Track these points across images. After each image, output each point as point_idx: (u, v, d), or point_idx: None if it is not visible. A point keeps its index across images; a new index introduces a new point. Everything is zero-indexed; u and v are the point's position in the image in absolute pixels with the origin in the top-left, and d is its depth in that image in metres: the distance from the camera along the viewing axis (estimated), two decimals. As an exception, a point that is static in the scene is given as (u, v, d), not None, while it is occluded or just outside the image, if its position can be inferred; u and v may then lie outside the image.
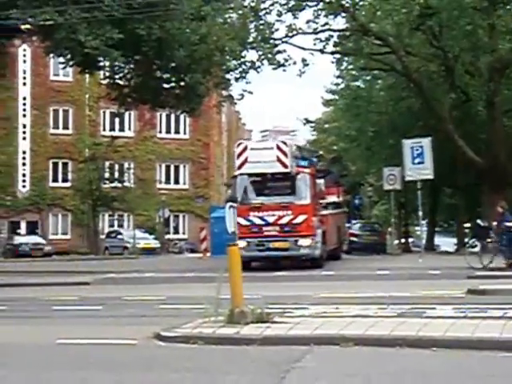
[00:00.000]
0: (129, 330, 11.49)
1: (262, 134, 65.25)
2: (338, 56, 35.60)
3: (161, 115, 51.91)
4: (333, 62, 36.28)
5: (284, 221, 23.09)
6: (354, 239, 37.27)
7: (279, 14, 31.40)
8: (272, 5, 31.29)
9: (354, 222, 43.23)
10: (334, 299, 14.65)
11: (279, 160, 22.81)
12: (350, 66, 38.68)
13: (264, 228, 23.07)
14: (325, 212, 25.93)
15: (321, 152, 34.18)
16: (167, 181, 54.20)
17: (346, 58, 36.92)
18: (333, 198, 28.06)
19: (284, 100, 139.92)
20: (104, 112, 52.17)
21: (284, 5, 31.46)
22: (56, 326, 12.72)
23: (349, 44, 34.13)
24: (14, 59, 47.93)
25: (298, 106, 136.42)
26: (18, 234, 48.36)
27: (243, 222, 22.30)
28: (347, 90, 41.67)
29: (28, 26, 26.92)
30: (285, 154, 22.90)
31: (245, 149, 23.13)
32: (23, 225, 50.65)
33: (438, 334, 9.65)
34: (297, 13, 31.80)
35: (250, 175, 23.46)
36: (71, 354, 9.91)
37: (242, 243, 20.23)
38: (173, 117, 50.69)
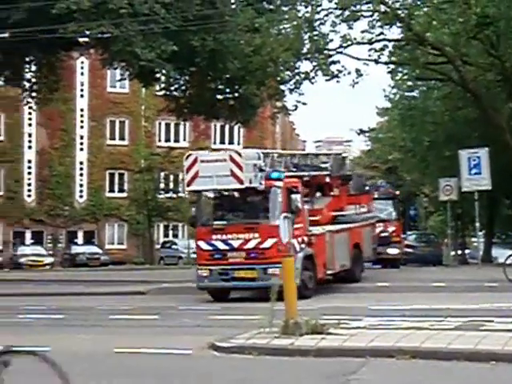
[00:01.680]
0: (184, 340, 11.55)
1: (315, 144, 65.08)
2: (392, 66, 35.37)
3: (215, 126, 52.23)
4: (388, 73, 36.06)
5: (250, 245, 18.90)
6: (410, 250, 36.89)
7: (333, 25, 31.30)
8: (326, 15, 31.20)
9: (409, 232, 42.80)
10: (388, 311, 14.51)
11: (233, 174, 18.72)
12: (405, 77, 38.39)
13: (229, 254, 19.14)
14: (326, 229, 21.33)
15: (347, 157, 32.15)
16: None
17: (400, 68, 36.67)
18: (351, 209, 23.81)
19: (338, 110, 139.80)
20: (160, 123, 52.74)
21: (339, 15, 31.38)
22: (113, 335, 12.87)
23: (404, 54, 33.89)
24: (72, 71, 48.83)
25: (351, 116, 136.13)
26: (76, 244, 49.08)
27: (205, 246, 19.26)
28: (402, 100, 41.37)
29: (85, 39, 27.40)
30: (239, 166, 18.76)
31: (195, 161, 19.26)
32: (80, 234, 51.40)
33: (497, 347, 9.49)
34: (351, 23, 31.65)
35: (203, 192, 19.94)
36: (128, 363, 10.01)
37: (203, 272, 19.19)
38: (227, 127, 50.95)
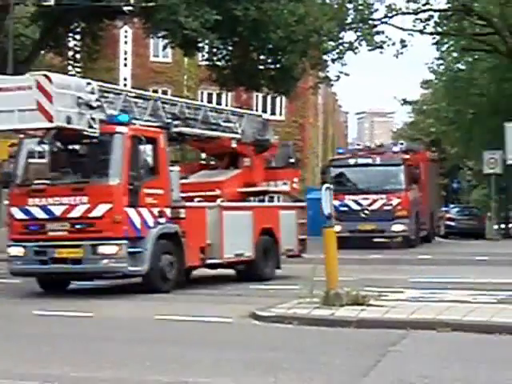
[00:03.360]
0: (224, 309, 11.63)
1: (358, 116, 64.64)
2: (438, 37, 34.88)
3: (257, 96, 52.06)
4: (433, 44, 35.58)
5: (76, 213, 13.66)
6: (451, 223, 36.59)
7: (379, -6, 30.98)
8: (372, -16, 30.88)
9: (451, 206, 42.45)
10: (430, 284, 14.44)
11: (40, 107, 13.15)
12: (451, 48, 37.83)
13: (48, 225, 13.92)
14: (214, 204, 15.70)
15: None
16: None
17: (445, 39, 36.14)
18: (264, 185, 17.84)
19: (381, 81, 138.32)
20: (202, 93, 52.77)
21: (384, -16, 31.02)
22: (153, 303, 12.99)
23: (450, 24, 33.40)
24: (116, 41, 49.04)
25: (395, 88, 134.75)
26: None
27: (18, 214, 14.11)
28: (447, 71, 40.83)
29: (129, 8, 27.44)
30: (49, 96, 13.13)
31: None
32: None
33: (540, 321, 9.38)
34: (397, -8, 31.27)
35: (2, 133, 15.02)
36: (168, 329, 10.11)
37: (15, 250, 14.12)
38: (269, 98, 50.77)
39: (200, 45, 28.81)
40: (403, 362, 7.75)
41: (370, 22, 30.84)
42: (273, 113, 54.83)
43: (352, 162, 26.85)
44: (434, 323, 9.52)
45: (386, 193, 26.05)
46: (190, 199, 15.54)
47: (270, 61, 29.83)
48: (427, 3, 31.60)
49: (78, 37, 31.37)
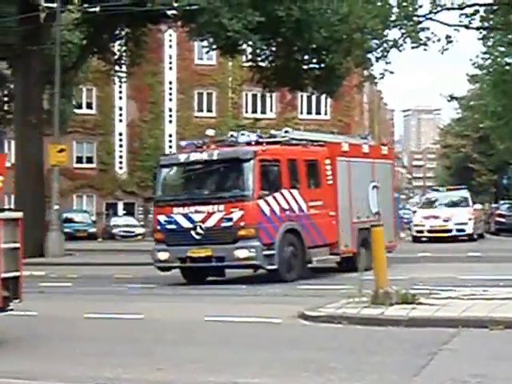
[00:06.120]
0: (273, 309, 11.63)
1: (404, 113, 64.17)
2: (484, 32, 34.40)
3: (302, 96, 52.02)
4: (479, 39, 35.09)
5: None
6: (502, 220, 36.07)
7: (423, -10, 30.66)
8: (415, -20, 30.57)
9: (501, 202, 41.84)
10: (481, 281, 14.26)
11: None
12: (498, 42, 37.27)
13: None
14: None
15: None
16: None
17: (492, 34, 35.62)
18: None
19: (427, 78, 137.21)
20: (246, 94, 52.90)
21: (428, -20, 30.70)
22: (203, 304, 13.08)
23: (496, 19, 32.91)
24: (161, 45, 49.46)
25: (441, 84, 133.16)
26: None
27: None
28: (494, 66, 40.24)
29: (173, 11, 27.62)
30: None
31: None
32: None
33: None
34: (441, -12, 30.94)
35: None
36: (218, 330, 10.14)
37: None
38: (314, 98, 50.69)
39: (242, 47, 28.87)
40: (455, 361, 7.67)
41: (415, 18, 30.54)
42: (318, 112, 54.77)
43: (183, 158, 17.48)
44: (486, 321, 9.40)
45: (226, 202, 16.40)
46: None
47: (314, 61, 29.75)
48: (472, -2, 31.22)
49: (121, 42, 31.68)
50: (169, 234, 16.67)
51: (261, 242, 16.16)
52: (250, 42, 27.31)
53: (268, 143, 17.12)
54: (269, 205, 16.50)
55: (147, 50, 32.59)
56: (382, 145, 19.75)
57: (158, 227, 16.89)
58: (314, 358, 7.90)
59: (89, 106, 50.91)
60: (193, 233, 16.40)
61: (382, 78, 31.38)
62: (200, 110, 52.81)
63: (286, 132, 18.25)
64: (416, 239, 31.67)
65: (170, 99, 52.26)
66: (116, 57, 32.05)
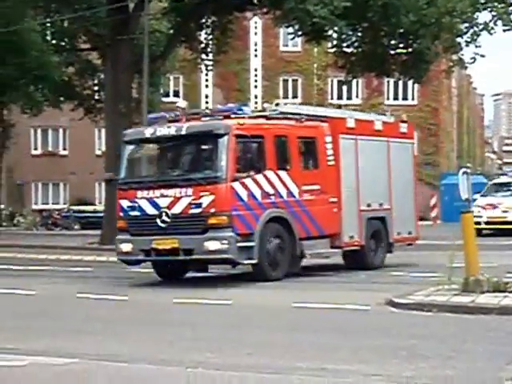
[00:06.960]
0: (361, 296, 11.59)
1: (495, 97, 62.70)
2: None
3: (388, 82, 51.35)
4: None
5: None
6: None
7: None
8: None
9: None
10: None
11: None
12: None
13: None
14: None
15: None
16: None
17: None
18: None
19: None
20: (332, 80, 52.60)
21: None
22: (290, 290, 13.13)
23: None
24: (246, 32, 49.66)
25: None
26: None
27: None
28: None
29: (259, -2, 27.65)
30: None
31: None
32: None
33: None
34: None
35: None
36: (306, 317, 10.17)
37: None
38: (400, 83, 49.95)
39: (328, 33, 28.66)
40: (550, 351, 7.48)
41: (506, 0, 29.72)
42: (405, 97, 53.98)
43: (148, 133, 15.20)
44: None
45: (195, 185, 14.04)
46: None
47: (401, 45, 29.30)
48: None
49: (208, 30, 31.93)
50: (132, 221, 14.45)
51: (235, 232, 13.65)
52: (336, 28, 27.09)
53: (253, 118, 14.68)
54: (247, 188, 13.95)
55: (233, 37, 32.73)
56: (401, 122, 17.56)
57: (121, 214, 14.57)
58: (403, 345, 7.84)
59: (176, 94, 51.51)
60: (158, 221, 14.04)
61: (474, 62, 30.60)
62: (285, 96, 52.73)
63: (276, 105, 15.81)
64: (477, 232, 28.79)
65: (256, 86, 52.40)
66: (202, 45, 32.32)
